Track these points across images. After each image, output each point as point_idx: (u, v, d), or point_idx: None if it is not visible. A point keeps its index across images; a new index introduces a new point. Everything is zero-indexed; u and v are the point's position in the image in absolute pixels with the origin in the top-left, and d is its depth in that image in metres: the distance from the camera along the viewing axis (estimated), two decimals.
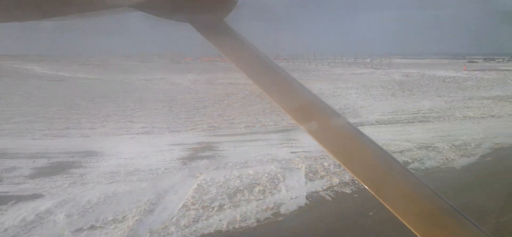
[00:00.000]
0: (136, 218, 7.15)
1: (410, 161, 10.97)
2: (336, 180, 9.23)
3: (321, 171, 9.90)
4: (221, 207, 7.73)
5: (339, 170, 10.01)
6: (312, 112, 2.27)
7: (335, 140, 2.15)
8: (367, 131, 15.65)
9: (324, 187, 8.84)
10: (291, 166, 10.41)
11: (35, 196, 8.34)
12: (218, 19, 2.50)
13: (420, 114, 19.46)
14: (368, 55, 61.63)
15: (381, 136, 14.31)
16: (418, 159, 11.14)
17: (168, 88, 31.42)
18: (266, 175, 9.55)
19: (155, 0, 2.39)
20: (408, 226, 1.78)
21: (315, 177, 9.51)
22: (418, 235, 1.74)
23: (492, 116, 18.79)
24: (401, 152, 11.86)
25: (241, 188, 8.68)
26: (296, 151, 12.21)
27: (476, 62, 76.61)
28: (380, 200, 1.87)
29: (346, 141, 2.17)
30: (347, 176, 9.48)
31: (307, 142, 13.33)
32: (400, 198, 1.93)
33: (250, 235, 6.82)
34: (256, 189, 8.60)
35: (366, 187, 1.94)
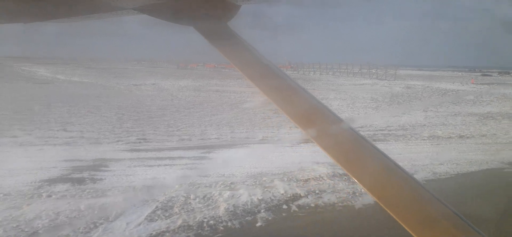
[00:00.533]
0: None
1: (301, 194, 8.63)
2: (178, 222, 7.03)
3: (177, 207, 7.71)
4: None
5: (200, 205, 7.81)
6: (314, 118, 2.14)
7: (338, 145, 2.05)
8: (299, 148, 13.41)
9: (153, 233, 6.64)
10: (153, 197, 8.26)
11: None
12: (222, 23, 2.38)
13: (384, 132, 17.02)
14: (376, 66, 58.50)
15: (303, 156, 12.00)
16: (315, 191, 8.80)
17: (148, 94, 29.67)
18: (96, 211, 7.42)
19: (159, 4, 2.33)
20: (410, 232, 1.69)
21: (161, 216, 7.34)
22: None
23: (461, 136, 16.16)
24: (305, 180, 9.53)
25: (40, 231, 6.56)
26: (190, 174, 10.05)
27: (490, 75, 72.27)
28: (383, 206, 1.79)
29: (348, 146, 2.07)
30: (198, 217, 7.27)
31: (216, 163, 11.24)
32: (402, 203, 1.86)
33: None
34: (60, 233, 6.47)
35: (369, 193, 1.88)
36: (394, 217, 1.78)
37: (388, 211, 1.79)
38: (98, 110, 21.11)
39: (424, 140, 15.50)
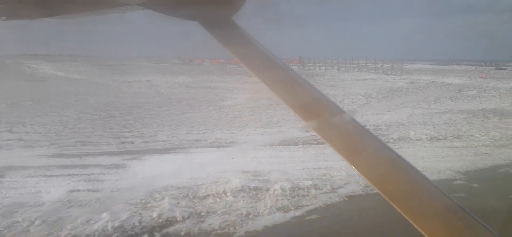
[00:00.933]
0: None
1: (179, 218, 6.93)
2: None
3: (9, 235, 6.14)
4: None
5: (37, 233, 6.22)
6: (318, 110, 2.08)
7: (341, 137, 1.98)
8: (241, 153, 11.75)
9: None
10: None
11: None
12: (227, 17, 2.30)
13: None
14: (384, 60, 55.57)
15: (235, 163, 10.31)
16: (200, 213, 7.10)
17: (134, 91, 28.37)
18: None
19: None
20: (414, 224, 1.61)
21: None
22: (424, 233, 1.60)
23: (432, 139, 14.13)
24: (203, 197, 7.84)
25: None
26: (81, 188, 8.52)
27: (504, 69, 68.13)
28: (386, 198, 1.70)
29: (351, 139, 2.01)
30: None
31: (129, 174, 9.71)
32: (405, 196, 1.79)
33: None
34: None
35: (372, 186, 1.79)
36: (398, 210, 1.66)
37: (392, 204, 1.67)
38: (64, 109, 19.83)
39: (388, 142, 13.53)
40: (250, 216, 7.04)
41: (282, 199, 7.75)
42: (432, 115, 19.75)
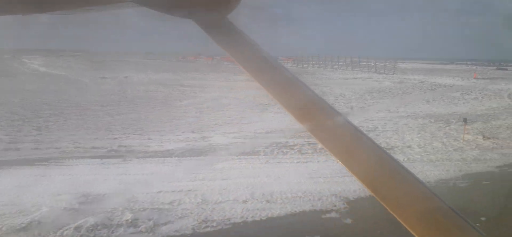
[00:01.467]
0: None
1: None
2: None
3: None
4: None
5: None
6: (313, 112, 1.96)
7: (335, 139, 1.87)
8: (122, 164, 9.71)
9: None
10: None
11: None
12: (221, 16, 2.17)
13: (279, 140, 12.97)
14: (379, 58, 52.65)
15: (99, 180, 8.22)
16: None
17: (97, 89, 26.66)
18: None
19: None
20: (406, 226, 1.56)
21: None
22: (415, 234, 1.56)
23: None
24: None
25: None
26: None
27: (505, 69, 64.26)
28: (379, 200, 1.63)
29: (346, 140, 1.88)
30: None
31: None
32: (398, 198, 1.71)
33: None
34: None
35: (365, 186, 1.71)
36: (390, 211, 1.58)
37: (384, 205, 1.59)
38: (7, 106, 18.05)
39: (304, 154, 11.32)
40: None
41: None
42: (388, 121, 17.37)
